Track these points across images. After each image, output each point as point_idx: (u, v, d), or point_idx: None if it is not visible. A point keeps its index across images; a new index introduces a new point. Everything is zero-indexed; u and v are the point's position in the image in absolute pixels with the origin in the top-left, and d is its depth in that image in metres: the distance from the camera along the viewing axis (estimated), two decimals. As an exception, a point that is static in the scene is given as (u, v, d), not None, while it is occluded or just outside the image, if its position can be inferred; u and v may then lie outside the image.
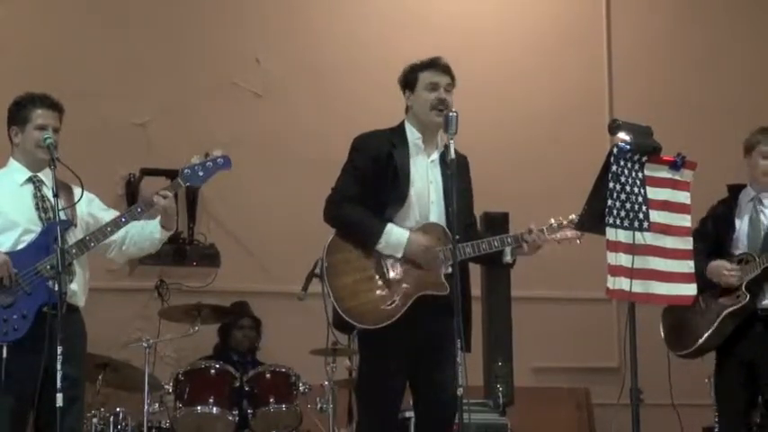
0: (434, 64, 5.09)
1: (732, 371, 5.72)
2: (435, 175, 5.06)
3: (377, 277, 4.93)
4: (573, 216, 5.04)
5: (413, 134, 5.09)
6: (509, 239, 5.02)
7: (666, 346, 5.84)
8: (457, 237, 4.79)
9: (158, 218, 5.14)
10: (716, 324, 5.66)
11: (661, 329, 5.86)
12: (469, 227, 5.16)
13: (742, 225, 5.77)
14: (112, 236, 5.06)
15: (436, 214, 5.04)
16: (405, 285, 4.92)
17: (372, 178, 5.00)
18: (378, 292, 4.91)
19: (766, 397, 5.76)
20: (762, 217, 5.77)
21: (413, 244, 4.92)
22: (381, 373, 4.96)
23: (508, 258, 5.08)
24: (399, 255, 4.93)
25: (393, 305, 4.88)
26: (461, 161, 5.07)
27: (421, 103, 5.05)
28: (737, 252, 5.73)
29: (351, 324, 4.93)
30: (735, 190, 5.90)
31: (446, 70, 5.09)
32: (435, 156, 5.09)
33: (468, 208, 5.18)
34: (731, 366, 5.72)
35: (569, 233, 5.06)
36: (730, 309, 5.64)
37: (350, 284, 4.90)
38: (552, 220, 5.08)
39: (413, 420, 5.38)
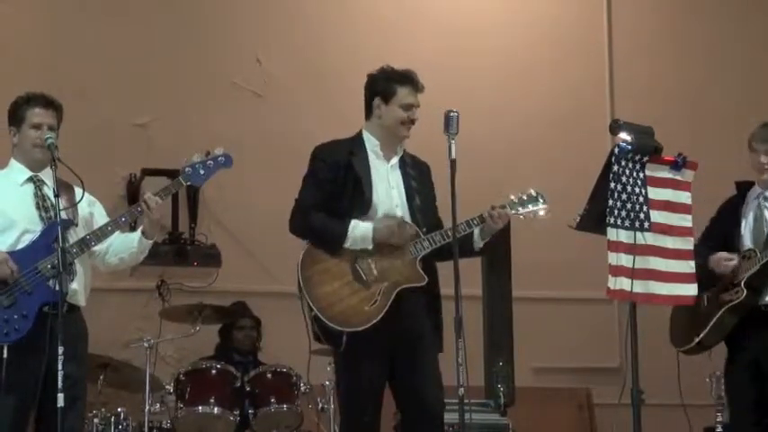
0: (413, 82, 5.14)
1: (739, 369, 5.72)
2: (396, 179, 5.16)
3: (355, 282, 5.00)
4: (532, 190, 5.18)
5: (371, 142, 5.19)
6: (474, 221, 5.10)
7: (670, 342, 5.85)
8: (424, 229, 4.97)
9: (141, 226, 5.11)
10: (714, 320, 5.65)
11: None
12: (435, 227, 5.18)
13: (747, 222, 5.76)
14: (109, 237, 5.04)
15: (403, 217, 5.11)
16: (384, 283, 4.98)
17: (334, 187, 5.08)
18: (359, 294, 4.98)
19: None
20: (765, 213, 5.74)
21: (379, 230, 4.98)
22: (361, 380, 4.98)
23: (479, 244, 5.16)
24: (370, 246, 4.98)
25: (376, 304, 4.94)
26: (423, 168, 5.23)
27: (393, 117, 5.12)
28: (743, 249, 5.72)
29: (338, 333, 4.94)
30: (743, 187, 5.89)
31: (421, 90, 5.16)
32: (395, 161, 5.19)
33: (433, 209, 5.25)
34: (739, 364, 5.72)
35: (534, 208, 5.18)
36: (729, 305, 5.63)
37: (331, 293, 4.97)
38: (512, 196, 5.19)
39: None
